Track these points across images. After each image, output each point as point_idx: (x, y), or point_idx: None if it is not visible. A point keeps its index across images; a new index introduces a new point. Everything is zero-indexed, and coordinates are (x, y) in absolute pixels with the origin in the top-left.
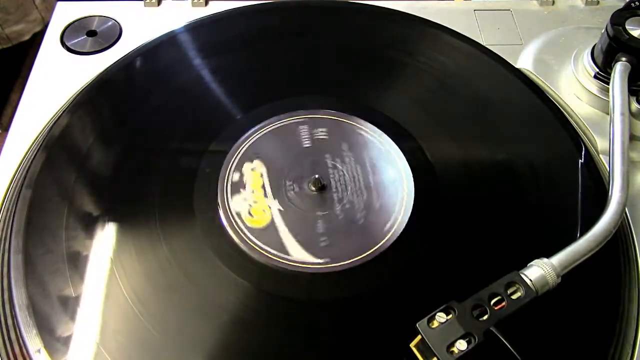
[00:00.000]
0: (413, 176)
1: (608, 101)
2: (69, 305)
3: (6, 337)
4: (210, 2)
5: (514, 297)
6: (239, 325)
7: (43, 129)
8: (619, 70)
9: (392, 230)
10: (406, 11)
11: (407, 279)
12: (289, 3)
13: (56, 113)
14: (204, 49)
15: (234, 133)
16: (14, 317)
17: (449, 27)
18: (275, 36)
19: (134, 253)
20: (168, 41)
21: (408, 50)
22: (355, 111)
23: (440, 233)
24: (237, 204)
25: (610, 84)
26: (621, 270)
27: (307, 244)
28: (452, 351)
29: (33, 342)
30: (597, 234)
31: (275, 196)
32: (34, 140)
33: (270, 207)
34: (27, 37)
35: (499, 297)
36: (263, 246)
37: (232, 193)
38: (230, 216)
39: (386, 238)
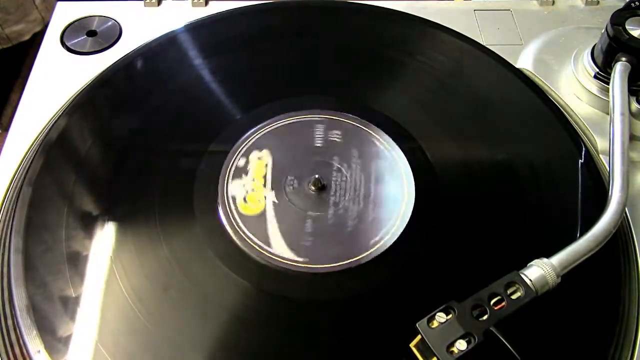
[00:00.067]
0: (413, 176)
1: (608, 101)
2: (69, 305)
3: (6, 339)
4: (210, 2)
5: (513, 297)
6: (238, 325)
7: (43, 129)
8: (619, 70)
9: (377, 246)
10: (406, 11)
11: (407, 278)
12: (288, 3)
13: (56, 113)
14: (204, 49)
15: (234, 133)
16: (14, 318)
17: (449, 27)
18: (275, 36)
19: (134, 253)
20: (168, 41)
21: (408, 50)
22: (355, 111)
23: (440, 233)
24: (235, 187)
25: (610, 84)
26: (621, 270)
27: (290, 240)
28: (452, 351)
29: (33, 343)
30: (597, 234)
31: (273, 188)
32: (34, 140)
33: (265, 198)
34: (27, 37)
35: (498, 297)
36: (248, 233)
37: (234, 177)
38: (225, 199)
39: (369, 252)
